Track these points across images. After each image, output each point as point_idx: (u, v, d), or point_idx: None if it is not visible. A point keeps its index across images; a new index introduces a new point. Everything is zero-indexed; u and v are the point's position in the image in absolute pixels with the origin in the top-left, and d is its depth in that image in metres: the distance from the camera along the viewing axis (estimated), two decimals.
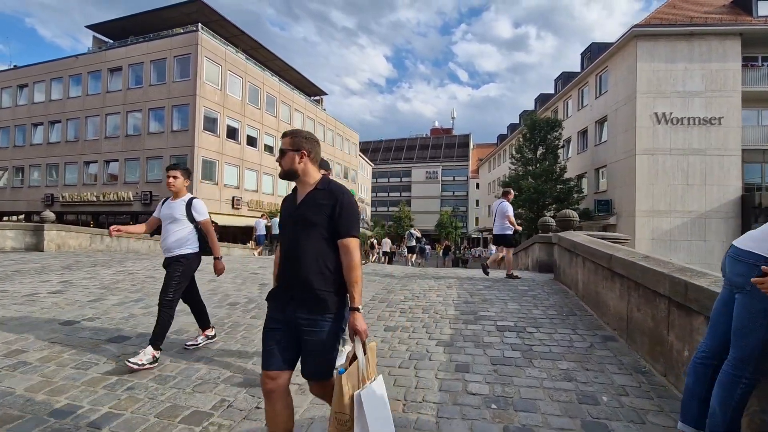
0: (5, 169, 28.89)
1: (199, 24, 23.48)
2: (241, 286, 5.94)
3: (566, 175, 23.15)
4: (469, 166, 67.52)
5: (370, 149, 74.42)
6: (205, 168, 23.65)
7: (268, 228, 17.02)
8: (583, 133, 24.52)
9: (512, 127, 42.33)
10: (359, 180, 47.91)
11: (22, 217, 27.65)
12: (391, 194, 73.16)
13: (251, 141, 27.42)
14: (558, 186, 21.97)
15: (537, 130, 23.38)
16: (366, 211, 54.18)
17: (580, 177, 24.20)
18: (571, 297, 5.39)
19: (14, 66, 29.87)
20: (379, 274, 7.67)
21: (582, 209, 21.80)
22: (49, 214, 12.08)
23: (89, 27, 27.56)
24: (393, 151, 77.08)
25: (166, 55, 23.78)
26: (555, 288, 6.05)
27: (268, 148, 29.19)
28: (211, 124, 24.02)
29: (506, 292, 5.74)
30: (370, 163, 61.30)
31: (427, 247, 21.07)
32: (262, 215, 18.99)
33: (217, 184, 24.48)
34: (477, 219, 56.26)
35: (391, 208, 69.75)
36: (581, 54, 26.27)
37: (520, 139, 25.12)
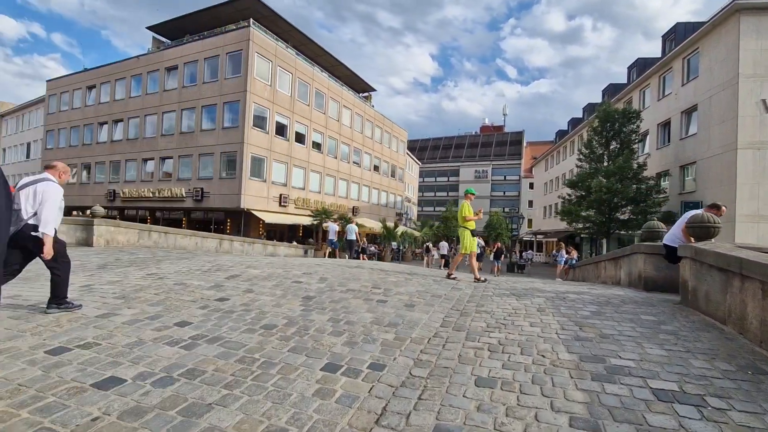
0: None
1: (251, 20, 23.34)
2: (282, 299, 4.88)
3: (644, 173, 20.43)
4: (521, 165, 64.16)
5: (417, 148, 73.00)
6: (254, 165, 23.50)
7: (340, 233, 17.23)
8: (665, 125, 21.60)
9: (574, 122, 39.16)
10: (406, 179, 46.69)
11: (76, 213, 29.22)
12: (438, 194, 71.34)
13: (299, 138, 27.06)
14: (634, 185, 19.37)
15: (610, 123, 20.84)
16: (412, 210, 52.88)
17: (660, 175, 21.33)
18: (735, 339, 3.78)
19: (84, 68, 31.69)
20: (444, 285, 6.36)
21: (662, 212, 19.11)
22: (98, 209, 11.93)
23: (149, 28, 28.54)
24: (441, 150, 75.16)
25: (219, 52, 23.90)
26: (694, 320, 4.43)
27: (316, 145, 28.75)
28: (260, 120, 23.85)
29: (628, 324, 4.23)
30: (418, 161, 59.88)
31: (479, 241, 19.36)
32: (335, 220, 18.72)
33: (265, 181, 24.28)
34: (531, 221, 53.03)
35: (437, 208, 67.93)
36: (662, 37, 23.24)
37: (589, 133, 22.60)
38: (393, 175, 41.44)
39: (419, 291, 5.86)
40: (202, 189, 23.79)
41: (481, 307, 4.95)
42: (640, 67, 25.25)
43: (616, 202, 19.46)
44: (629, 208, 19.32)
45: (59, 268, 3.83)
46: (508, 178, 65.29)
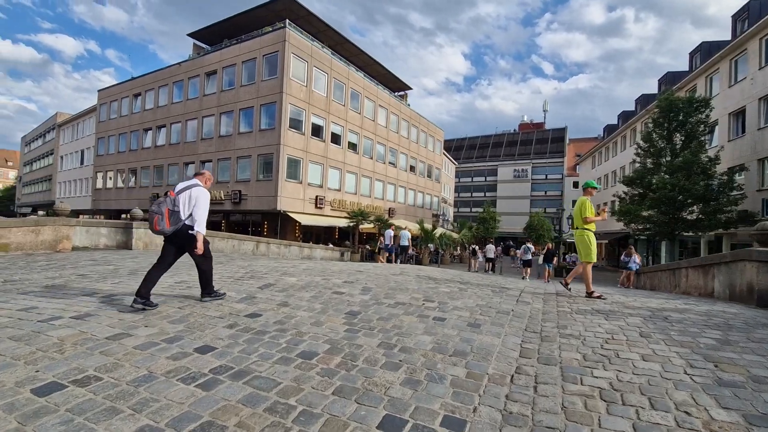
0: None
1: (287, 20, 23.19)
2: (320, 315, 4.15)
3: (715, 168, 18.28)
4: (564, 163, 61.10)
5: (452, 147, 71.39)
6: (290, 166, 23.30)
7: (395, 238, 18.14)
8: (738, 114, 19.34)
9: (625, 116, 36.53)
10: (443, 179, 45.46)
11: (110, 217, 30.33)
12: (475, 194, 69.37)
13: (335, 138, 26.68)
14: (702, 181, 17.32)
15: (673, 113, 18.84)
16: (449, 212, 51.53)
17: (732, 170, 19.07)
18: None
19: (132, 77, 32.96)
20: (506, 298, 5.41)
21: (737, 211, 17.00)
22: (137, 212, 11.85)
23: (190, 35, 29.21)
24: (477, 149, 73.10)
25: (256, 54, 23.94)
26: None
27: (352, 146, 28.28)
28: (296, 121, 23.64)
29: None
30: (454, 161, 58.40)
31: (531, 247, 17.97)
32: (391, 226, 20.67)
33: (301, 182, 24.03)
34: (569, 222, 50.07)
35: (474, 209, 66.00)
36: (732, 17, 20.88)
37: (648, 125, 20.58)
38: (429, 176, 40.39)
39: (480, 305, 4.97)
40: (239, 191, 23.88)
41: (564, 329, 4.00)
42: (705, 52, 22.87)
43: (682, 200, 17.50)
44: (698, 206, 17.32)
45: (204, 262, 4.37)
46: (549, 177, 62.35)
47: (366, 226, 25.50)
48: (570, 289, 6.38)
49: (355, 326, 3.82)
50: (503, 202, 65.46)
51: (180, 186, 4.16)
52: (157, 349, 2.99)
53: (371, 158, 30.35)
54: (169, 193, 4.02)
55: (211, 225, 26.74)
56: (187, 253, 4.27)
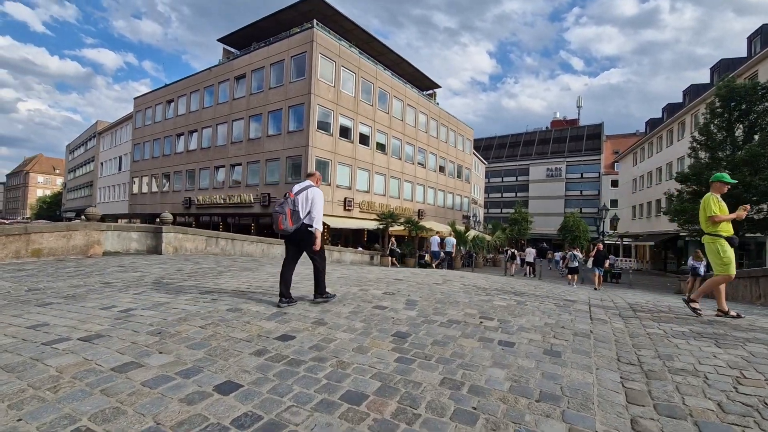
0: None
1: (314, 20, 22.91)
2: (363, 338, 3.48)
3: None
4: (601, 161, 58.40)
5: (481, 147, 69.68)
6: (319, 168, 22.95)
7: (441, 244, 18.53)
8: None
9: (671, 109, 34.23)
10: (473, 179, 44.19)
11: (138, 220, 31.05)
12: (505, 195, 67.50)
13: (363, 139, 26.19)
14: None
15: (735, 102, 17.13)
16: (479, 213, 50.13)
17: None
18: None
19: (165, 84, 33.74)
20: (577, 315, 4.59)
21: None
22: (167, 216, 11.65)
23: (219, 40, 29.53)
24: (507, 148, 71.11)
25: (284, 56, 23.80)
26: None
27: (381, 146, 27.72)
28: (324, 123, 23.30)
29: None
30: (484, 161, 56.88)
31: (578, 254, 16.65)
32: (437, 232, 21.59)
33: (329, 184, 23.65)
34: (615, 222, 47.44)
35: (504, 210, 64.10)
36: None
37: (706, 116, 18.84)
38: (459, 176, 39.29)
39: (549, 324, 4.18)
40: (269, 194, 23.76)
41: (670, 361, 3.16)
42: (766, 35, 20.84)
43: (747, 198, 15.81)
44: (766, 204, 15.61)
45: (320, 260, 4.55)
46: (585, 175, 59.75)
47: (396, 228, 24.83)
48: (700, 313, 4.96)
49: (407, 353, 3.13)
50: (536, 202, 63.30)
51: (297, 187, 4.42)
52: (169, 387, 2.40)
53: (400, 159, 29.68)
54: (288, 195, 4.30)
55: (242, 228, 26.82)
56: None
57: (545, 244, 52.92)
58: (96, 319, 3.80)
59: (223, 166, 27.18)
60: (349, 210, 24.64)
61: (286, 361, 2.88)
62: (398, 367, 2.85)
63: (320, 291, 4.61)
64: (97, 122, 51.40)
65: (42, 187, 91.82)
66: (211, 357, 2.89)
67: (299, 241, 4.40)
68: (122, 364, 2.70)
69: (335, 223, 23.04)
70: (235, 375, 2.60)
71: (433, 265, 17.93)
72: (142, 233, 11.41)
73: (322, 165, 23.21)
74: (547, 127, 71.46)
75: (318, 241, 4.39)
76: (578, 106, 73.15)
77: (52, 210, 72.08)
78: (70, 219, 54.34)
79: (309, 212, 4.34)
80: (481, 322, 4.13)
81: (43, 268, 7.32)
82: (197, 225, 28.66)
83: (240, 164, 25.99)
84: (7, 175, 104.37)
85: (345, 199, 24.56)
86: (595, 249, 14.24)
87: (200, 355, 2.91)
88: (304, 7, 24.32)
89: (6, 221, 61.52)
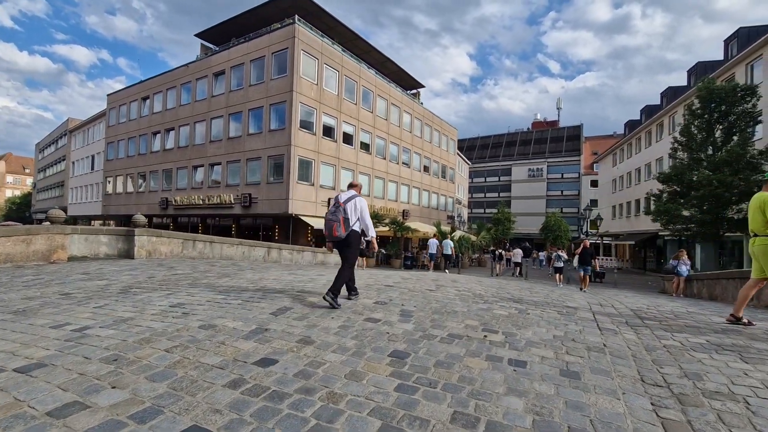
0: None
1: (296, 16, 22.29)
2: (357, 359, 3.06)
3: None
4: (581, 162, 59.37)
5: (464, 147, 69.93)
6: (302, 168, 22.35)
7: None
8: None
9: (649, 111, 34.90)
10: (457, 180, 44.19)
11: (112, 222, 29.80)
12: (488, 195, 67.99)
13: (347, 138, 25.70)
14: (754, 176, 15.81)
15: (715, 103, 17.38)
16: (463, 213, 50.21)
17: None
18: None
19: (140, 81, 32.45)
20: (584, 325, 4.27)
21: None
22: (140, 218, 10.93)
23: (197, 35, 28.54)
24: (490, 149, 71.64)
25: (265, 52, 23.10)
26: None
27: (365, 146, 27.27)
28: (307, 121, 22.70)
29: None
30: (468, 161, 57.07)
31: (563, 255, 16.58)
32: (435, 235, 21.43)
33: (313, 184, 23.08)
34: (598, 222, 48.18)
35: (488, 210, 64.48)
36: None
37: (687, 117, 19.07)
38: (443, 176, 39.17)
39: (558, 338, 3.84)
40: (250, 195, 23.01)
41: (699, 380, 2.85)
42: (744, 38, 21.32)
43: (728, 198, 16.03)
44: (744, 204, 15.85)
45: (349, 263, 4.75)
46: (566, 175, 60.65)
47: (381, 229, 24.40)
48: (747, 322, 4.61)
49: (408, 379, 2.72)
50: (518, 202, 63.93)
51: (344, 197, 4.70)
52: None
53: (384, 158, 29.29)
54: (338, 204, 4.58)
55: (222, 230, 25.94)
56: None
57: (528, 244, 53.40)
58: (43, 341, 3.25)
59: (202, 166, 26.24)
60: None
61: (266, 394, 2.42)
62: (400, 399, 2.43)
63: (334, 290, 4.69)
64: (68, 120, 49.25)
65: (11, 187, 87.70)
66: (176, 392, 2.41)
67: (345, 246, 4.69)
68: (62, 406, 2.19)
69: (319, 224, 22.45)
70: (204, 417, 2.13)
71: (430, 267, 18.86)
72: (113, 236, 10.67)
73: (305, 164, 22.61)
74: (528, 128, 72.32)
75: (374, 246, 4.97)
76: (558, 108, 74.29)
77: (21, 211, 68.86)
78: (40, 221, 51.90)
79: (357, 220, 4.70)
80: (486, 336, 3.75)
81: None
82: (175, 226, 27.61)
83: (219, 164, 25.12)
84: None
85: (329, 199, 23.99)
86: (581, 246, 13.65)
87: (162, 389, 2.42)
88: (285, 3, 23.67)
89: None
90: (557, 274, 16.70)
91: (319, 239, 24.50)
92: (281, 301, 4.95)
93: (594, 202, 50.45)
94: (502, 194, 65.97)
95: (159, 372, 2.67)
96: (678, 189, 18.43)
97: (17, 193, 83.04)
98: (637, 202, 35.01)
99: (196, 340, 3.31)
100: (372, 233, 4.77)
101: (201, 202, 25.57)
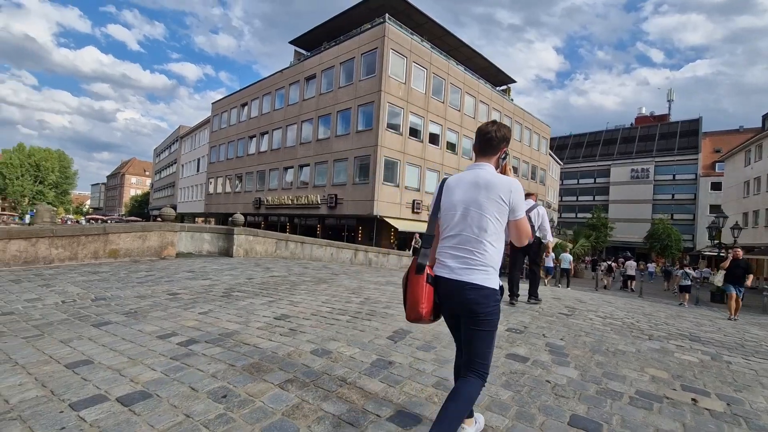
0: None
1: (386, 15, 22.02)
2: (527, 428, 2.18)
3: None
4: (698, 161, 51.39)
5: (554, 146, 64.68)
6: (387, 169, 21.99)
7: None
8: None
9: None
10: (547, 181, 40.86)
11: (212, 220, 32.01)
12: (581, 198, 62.16)
13: (433, 138, 24.83)
14: None
15: None
16: (554, 217, 46.35)
17: None
18: None
19: (240, 89, 35.02)
20: None
21: None
22: (238, 217, 11.23)
23: (291, 42, 29.84)
24: (584, 147, 65.48)
25: (355, 54, 23.21)
26: None
27: (451, 146, 26.18)
28: (394, 121, 22.30)
29: None
30: (559, 161, 52.71)
31: (690, 272, 14.01)
32: (566, 249, 20.64)
33: (398, 186, 22.60)
34: (719, 231, 41.17)
35: (580, 214, 58.92)
36: None
37: None
38: (533, 177, 36.38)
39: None
40: (335, 195, 23.27)
41: None
42: None
43: None
44: None
45: (536, 270, 5.61)
46: (678, 177, 52.96)
47: None
48: None
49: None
50: (617, 206, 57.46)
51: (526, 206, 4.76)
52: None
53: (470, 159, 27.76)
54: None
55: (308, 229, 26.71)
56: None
57: (628, 253, 47.55)
58: (149, 356, 2.90)
59: (292, 167, 27.30)
60: (417, 213, 23.40)
61: None
62: None
63: (534, 294, 5.38)
64: (179, 127, 55.38)
65: (135, 187, 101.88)
66: None
67: (525, 250, 5.14)
68: None
69: (403, 226, 21.93)
70: None
71: (546, 281, 16.55)
72: (215, 235, 11.08)
73: (391, 165, 22.22)
74: (631, 124, 64.67)
75: (550, 249, 5.42)
76: (669, 100, 65.31)
77: (141, 208, 79.39)
78: (155, 217, 59.23)
79: (539, 227, 5.22)
80: (695, 401, 2.62)
81: (116, 272, 6.94)
82: (266, 225, 29.14)
83: (308, 165, 25.89)
84: (108, 177, 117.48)
85: (413, 201, 23.37)
86: (731, 257, 9.77)
87: None
88: (376, 2, 23.54)
89: (105, 218, 68.57)
90: (684, 293, 14.11)
91: (401, 242, 23.98)
92: (393, 320, 4.25)
93: (715, 208, 43.13)
94: (597, 197, 59.82)
95: (276, 423, 2.06)
96: None
97: (139, 192, 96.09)
98: None
99: (312, 373, 2.70)
100: (551, 237, 5.35)
101: (290, 202, 26.60)
